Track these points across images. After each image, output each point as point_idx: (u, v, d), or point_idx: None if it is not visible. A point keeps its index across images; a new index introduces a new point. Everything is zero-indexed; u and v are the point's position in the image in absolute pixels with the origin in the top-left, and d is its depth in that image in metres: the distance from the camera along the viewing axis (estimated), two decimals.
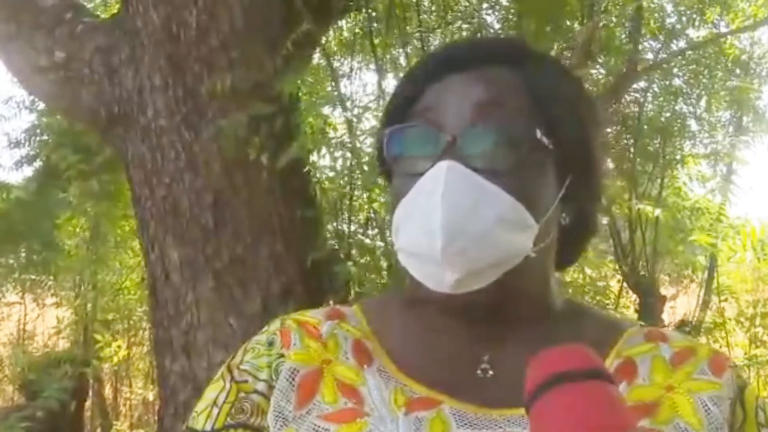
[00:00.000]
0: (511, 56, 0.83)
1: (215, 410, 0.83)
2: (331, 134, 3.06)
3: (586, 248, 0.92)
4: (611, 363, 0.81)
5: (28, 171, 5.91)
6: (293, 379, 0.81)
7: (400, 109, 0.84)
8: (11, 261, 6.41)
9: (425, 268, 0.77)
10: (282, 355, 0.84)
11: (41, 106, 5.02)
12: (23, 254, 6.27)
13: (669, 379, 0.80)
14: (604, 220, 4.22)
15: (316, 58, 3.37)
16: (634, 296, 4.51)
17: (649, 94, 4.65)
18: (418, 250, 0.77)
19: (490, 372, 0.81)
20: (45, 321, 6.74)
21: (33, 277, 6.38)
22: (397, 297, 0.90)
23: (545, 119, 0.79)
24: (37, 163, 5.71)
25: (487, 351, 0.81)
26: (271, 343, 0.85)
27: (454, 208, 0.75)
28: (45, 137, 5.18)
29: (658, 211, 3.36)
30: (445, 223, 0.74)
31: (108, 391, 6.36)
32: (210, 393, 0.85)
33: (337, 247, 2.69)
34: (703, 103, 4.57)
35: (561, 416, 0.60)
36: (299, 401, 0.80)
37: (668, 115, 4.65)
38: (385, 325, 0.87)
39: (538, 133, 0.78)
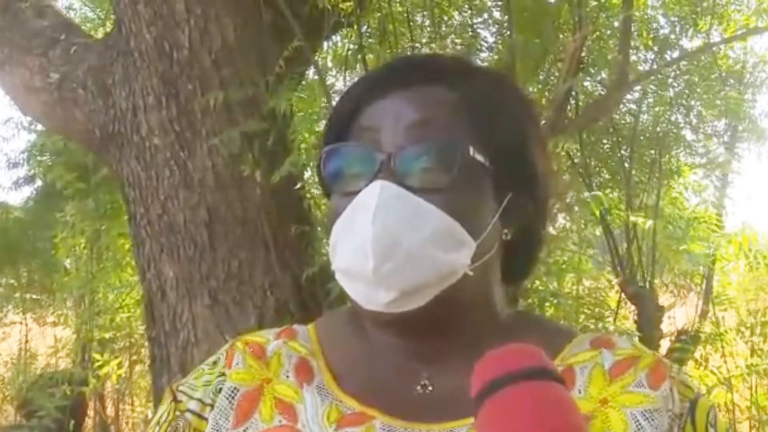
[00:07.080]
0: (448, 73, 0.84)
1: (157, 429, 0.86)
2: None
3: (536, 260, 0.91)
4: None
5: (27, 191, 5.97)
6: (233, 398, 0.83)
7: (338, 128, 0.85)
8: (11, 281, 6.43)
9: (359, 288, 0.78)
10: (223, 374, 0.85)
11: (39, 126, 5.05)
12: (24, 274, 6.30)
13: (604, 391, 0.79)
14: (599, 231, 4.22)
15: (311, 74, 3.40)
16: (633, 307, 4.49)
17: (644, 105, 4.66)
18: (351, 269, 0.78)
19: (430, 388, 0.81)
20: (46, 340, 6.74)
21: (34, 296, 6.40)
22: (345, 313, 0.91)
23: (481, 136, 0.80)
24: (36, 183, 5.76)
25: (428, 367, 0.82)
26: (215, 363, 0.88)
27: (386, 227, 0.75)
28: (43, 157, 5.21)
29: (650, 223, 3.36)
30: (376, 244, 0.75)
31: (110, 410, 6.35)
32: (158, 413, 0.88)
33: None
34: (696, 112, 4.58)
35: (504, 420, 0.59)
36: (237, 420, 0.81)
37: (664, 125, 4.66)
38: (332, 341, 0.88)
39: (471, 151, 0.78)
